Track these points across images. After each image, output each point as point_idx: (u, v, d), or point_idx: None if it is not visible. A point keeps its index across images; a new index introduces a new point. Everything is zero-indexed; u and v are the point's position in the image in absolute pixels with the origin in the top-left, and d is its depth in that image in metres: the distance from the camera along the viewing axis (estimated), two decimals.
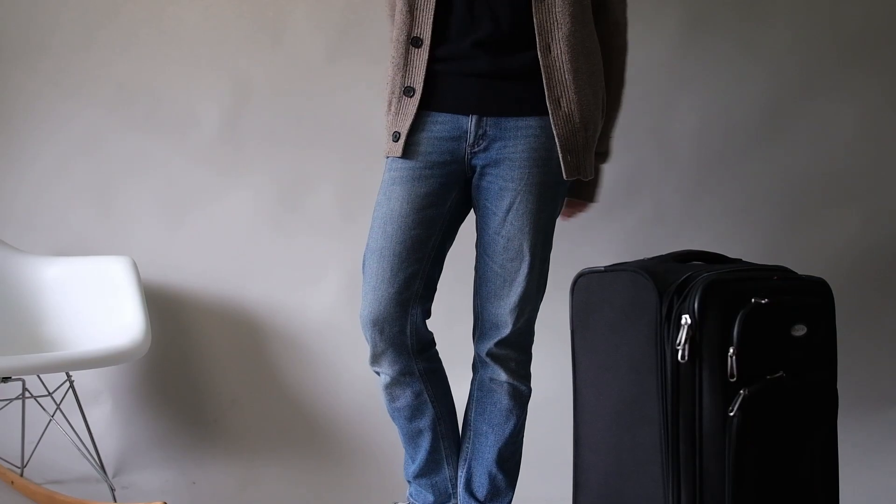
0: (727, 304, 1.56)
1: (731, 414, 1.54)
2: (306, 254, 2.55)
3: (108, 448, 2.36)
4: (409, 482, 1.89)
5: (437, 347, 1.84)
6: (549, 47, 1.63)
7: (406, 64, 1.67)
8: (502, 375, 1.79)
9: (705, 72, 2.58)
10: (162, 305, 2.51)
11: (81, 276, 2.31)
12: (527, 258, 1.71)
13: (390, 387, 1.78)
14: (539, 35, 1.63)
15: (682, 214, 2.58)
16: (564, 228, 2.56)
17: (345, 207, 2.55)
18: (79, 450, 2.17)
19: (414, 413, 1.80)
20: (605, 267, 1.73)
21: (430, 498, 1.85)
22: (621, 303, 1.67)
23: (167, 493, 2.21)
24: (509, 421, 1.81)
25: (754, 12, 2.58)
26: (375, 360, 1.76)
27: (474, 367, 1.86)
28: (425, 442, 1.82)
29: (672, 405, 1.57)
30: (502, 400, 1.81)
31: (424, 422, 1.81)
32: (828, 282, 1.71)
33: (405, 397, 1.78)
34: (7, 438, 2.32)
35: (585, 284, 1.75)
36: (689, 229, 2.56)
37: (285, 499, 2.25)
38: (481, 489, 1.82)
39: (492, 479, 1.82)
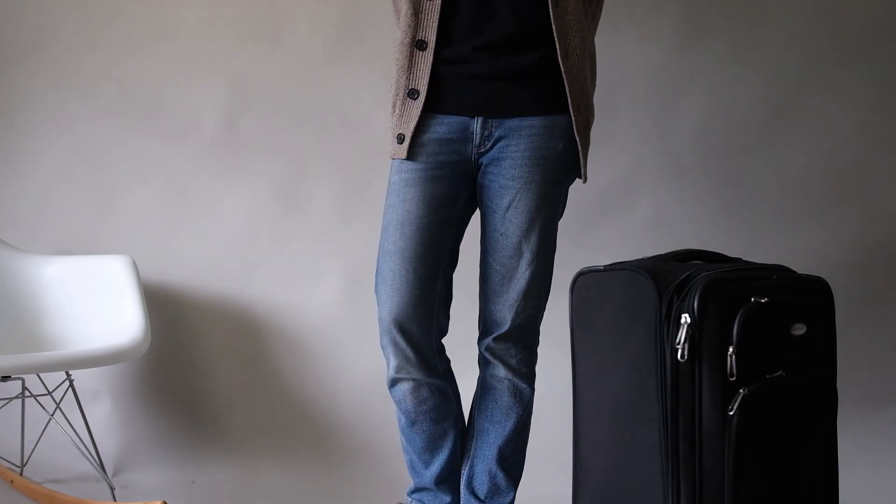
0: (727, 304, 1.56)
1: (731, 413, 1.54)
2: (306, 254, 2.55)
3: (108, 447, 2.36)
4: (420, 489, 1.84)
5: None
6: (567, 53, 1.66)
7: (411, 66, 1.67)
8: (501, 372, 1.80)
9: (705, 72, 2.58)
10: (162, 305, 2.51)
11: (81, 275, 2.31)
12: (525, 255, 1.72)
13: (418, 389, 1.75)
14: (558, 41, 1.64)
15: (682, 214, 2.58)
16: (564, 228, 2.57)
17: (344, 208, 2.55)
18: (78, 449, 2.17)
19: (441, 413, 1.79)
20: (604, 266, 1.72)
21: (448, 499, 1.84)
22: (621, 302, 1.66)
23: (167, 493, 2.21)
24: (509, 419, 1.81)
25: (753, 12, 2.58)
26: (403, 365, 1.72)
27: (479, 365, 1.86)
28: (449, 442, 1.81)
29: (672, 404, 1.57)
30: (503, 397, 1.81)
31: (450, 421, 1.81)
32: (828, 281, 1.71)
33: (433, 398, 1.77)
34: (7, 437, 2.32)
35: (585, 284, 1.75)
36: (689, 229, 2.56)
37: (285, 498, 2.25)
38: (482, 487, 1.82)
39: (492, 477, 1.81)
